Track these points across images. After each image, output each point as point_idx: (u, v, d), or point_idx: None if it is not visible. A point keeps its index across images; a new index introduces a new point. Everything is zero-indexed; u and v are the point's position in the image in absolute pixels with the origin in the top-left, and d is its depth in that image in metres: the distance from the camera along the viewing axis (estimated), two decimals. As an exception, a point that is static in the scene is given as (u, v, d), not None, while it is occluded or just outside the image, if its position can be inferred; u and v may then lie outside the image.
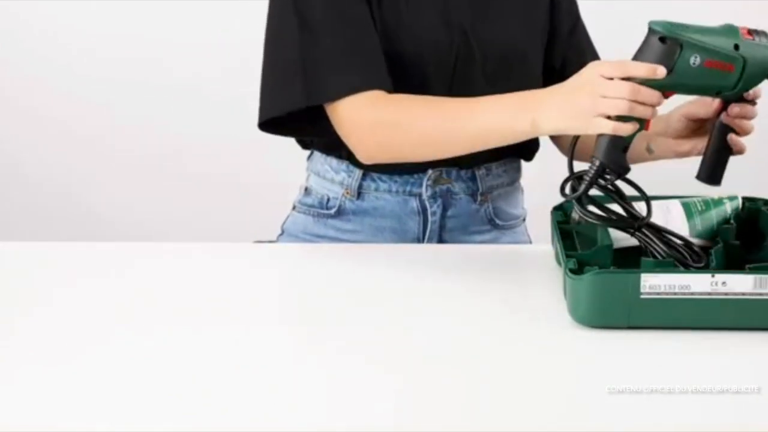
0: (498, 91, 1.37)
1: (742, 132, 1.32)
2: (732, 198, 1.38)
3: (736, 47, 1.22)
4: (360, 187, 1.55)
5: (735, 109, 1.30)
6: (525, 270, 1.43)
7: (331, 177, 1.56)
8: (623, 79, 1.19)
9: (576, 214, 1.36)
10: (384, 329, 1.21)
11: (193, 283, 1.35)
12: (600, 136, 1.21)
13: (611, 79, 1.19)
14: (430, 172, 1.53)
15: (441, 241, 1.57)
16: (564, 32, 1.59)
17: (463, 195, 1.56)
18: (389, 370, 1.11)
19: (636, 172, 1.27)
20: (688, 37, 1.19)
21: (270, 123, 1.49)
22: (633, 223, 1.26)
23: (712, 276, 1.17)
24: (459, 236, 1.57)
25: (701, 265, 1.24)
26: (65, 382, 1.08)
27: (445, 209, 1.55)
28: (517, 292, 1.33)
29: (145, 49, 2.82)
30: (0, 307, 1.27)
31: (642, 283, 1.16)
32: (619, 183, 1.25)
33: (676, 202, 1.36)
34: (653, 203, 1.27)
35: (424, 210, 1.55)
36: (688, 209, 1.35)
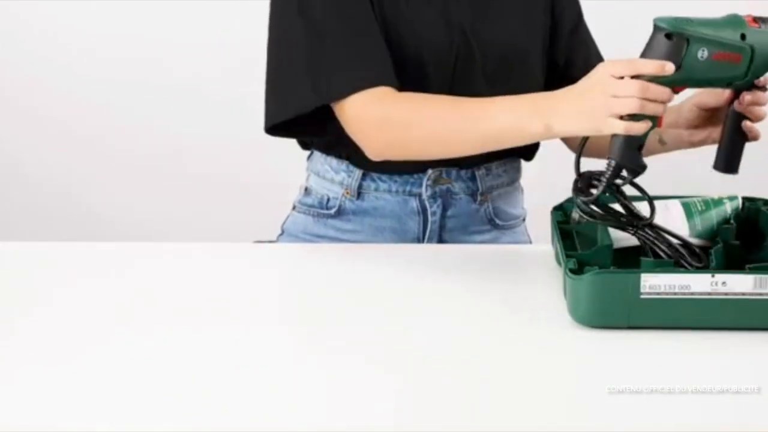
0: (498, 92, 1.37)
1: (756, 119, 1.32)
2: (732, 198, 1.38)
3: (743, 37, 1.22)
4: (360, 187, 1.55)
5: (747, 97, 1.29)
6: (525, 270, 1.43)
7: (331, 177, 1.56)
8: (632, 77, 1.19)
9: (576, 213, 1.36)
10: (384, 329, 1.21)
11: (193, 283, 1.35)
12: (614, 136, 1.21)
13: (621, 78, 1.19)
14: (429, 172, 1.53)
15: (441, 241, 1.57)
16: (565, 31, 1.59)
17: (463, 195, 1.56)
18: (389, 370, 1.11)
19: (636, 172, 1.26)
20: (694, 31, 1.19)
21: (276, 126, 1.49)
22: (639, 223, 1.26)
23: (712, 276, 1.17)
24: (459, 236, 1.57)
25: (700, 265, 1.24)
26: (65, 382, 1.08)
27: (445, 209, 1.55)
28: (517, 292, 1.33)
29: (145, 49, 2.81)
30: (0, 307, 1.27)
31: (642, 283, 1.16)
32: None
33: (676, 202, 1.36)
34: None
35: (424, 210, 1.55)
36: (688, 209, 1.35)
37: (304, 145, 1.63)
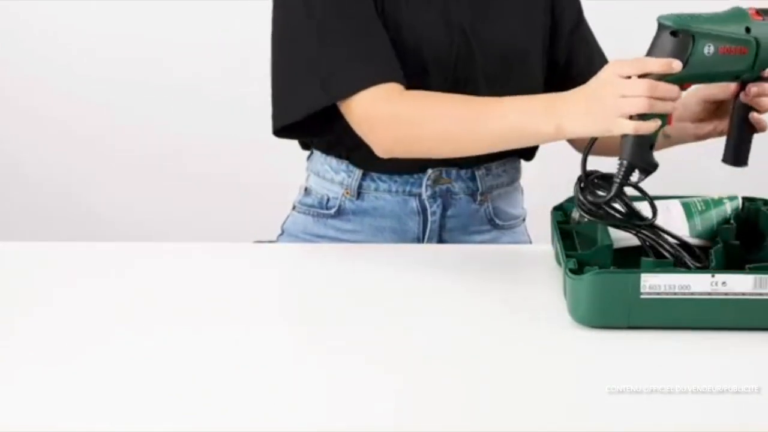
0: (498, 92, 1.37)
1: (763, 110, 1.32)
2: (732, 198, 1.38)
3: (748, 30, 1.22)
4: (360, 187, 1.55)
5: (753, 89, 1.29)
6: (525, 270, 1.43)
7: (330, 177, 1.56)
8: (640, 76, 1.19)
9: (576, 213, 1.36)
10: (384, 329, 1.21)
11: (193, 283, 1.35)
12: (624, 136, 1.21)
13: (629, 78, 1.19)
14: (429, 172, 1.53)
15: (441, 241, 1.57)
16: (566, 31, 1.59)
17: (463, 195, 1.56)
18: (389, 370, 1.11)
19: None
20: (700, 27, 1.19)
21: (284, 128, 1.49)
22: (642, 223, 1.26)
23: (712, 276, 1.17)
24: (459, 236, 1.57)
25: (700, 265, 1.24)
26: (65, 382, 1.08)
27: (444, 209, 1.55)
28: (517, 292, 1.33)
29: (145, 49, 2.81)
30: (0, 307, 1.27)
31: (642, 283, 1.16)
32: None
33: (676, 202, 1.36)
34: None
35: (423, 210, 1.55)
36: (688, 209, 1.35)
37: (304, 145, 1.63)
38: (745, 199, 1.40)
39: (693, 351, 1.15)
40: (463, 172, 1.55)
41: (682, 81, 1.20)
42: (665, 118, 1.20)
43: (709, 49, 1.20)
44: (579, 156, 1.28)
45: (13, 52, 2.85)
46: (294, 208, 1.63)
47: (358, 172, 1.54)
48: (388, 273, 1.38)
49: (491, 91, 1.41)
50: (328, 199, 1.57)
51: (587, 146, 1.27)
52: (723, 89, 1.36)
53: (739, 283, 1.17)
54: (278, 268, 1.44)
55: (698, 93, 1.39)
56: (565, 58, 1.59)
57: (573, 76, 1.55)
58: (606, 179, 1.25)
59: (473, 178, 1.56)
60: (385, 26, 1.45)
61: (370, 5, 1.44)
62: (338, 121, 1.44)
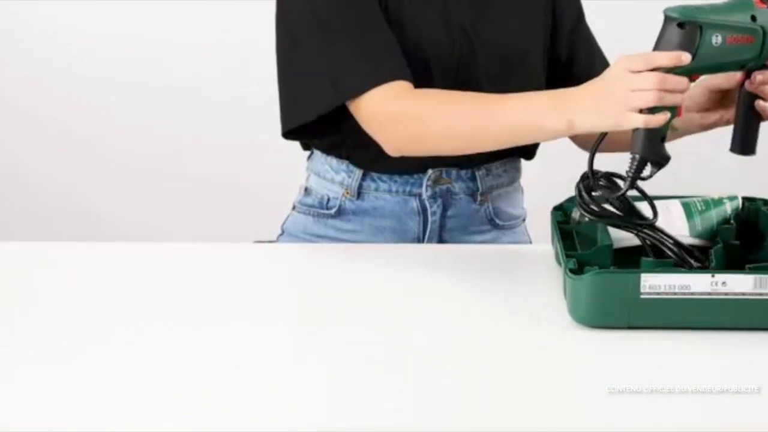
0: (500, 91, 1.36)
1: None
2: (732, 198, 1.38)
3: (753, 18, 1.22)
4: (360, 187, 1.55)
5: (758, 77, 1.29)
6: (525, 270, 1.43)
7: (331, 177, 1.56)
8: (649, 70, 1.19)
9: (576, 213, 1.36)
10: (384, 329, 1.21)
11: (193, 283, 1.35)
12: (635, 130, 1.21)
13: (638, 72, 1.19)
14: (430, 172, 1.53)
15: (441, 241, 1.57)
16: (566, 30, 1.59)
17: (463, 195, 1.56)
18: (389, 370, 1.11)
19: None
20: (706, 18, 1.19)
21: (292, 129, 1.49)
22: (643, 222, 1.26)
23: (712, 276, 1.17)
24: (459, 236, 1.57)
25: (700, 265, 1.24)
26: (65, 382, 1.08)
27: (445, 209, 1.55)
28: (517, 292, 1.33)
29: (145, 49, 2.81)
30: (0, 307, 1.27)
31: (642, 283, 1.16)
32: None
33: (676, 202, 1.36)
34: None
35: (424, 210, 1.55)
36: (688, 209, 1.35)
37: (305, 146, 1.63)
38: (745, 199, 1.40)
39: (693, 351, 1.15)
40: (463, 172, 1.55)
41: (690, 72, 1.20)
42: (674, 110, 1.20)
43: (716, 39, 1.19)
44: (579, 155, 1.29)
45: (13, 52, 2.85)
46: (294, 208, 1.63)
47: (358, 172, 1.54)
48: (388, 273, 1.38)
49: (493, 90, 1.41)
50: (329, 199, 1.57)
51: (594, 145, 1.27)
52: (728, 78, 1.35)
53: (739, 283, 1.17)
54: (278, 268, 1.44)
55: (703, 83, 1.39)
56: (567, 57, 1.59)
57: (574, 75, 1.55)
58: (610, 179, 1.25)
59: (473, 179, 1.56)
60: (387, 23, 1.45)
61: (374, 3, 1.44)
62: (345, 121, 1.44)
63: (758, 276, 1.17)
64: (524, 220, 1.67)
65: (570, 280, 1.19)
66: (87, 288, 1.33)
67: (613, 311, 1.18)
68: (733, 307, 1.17)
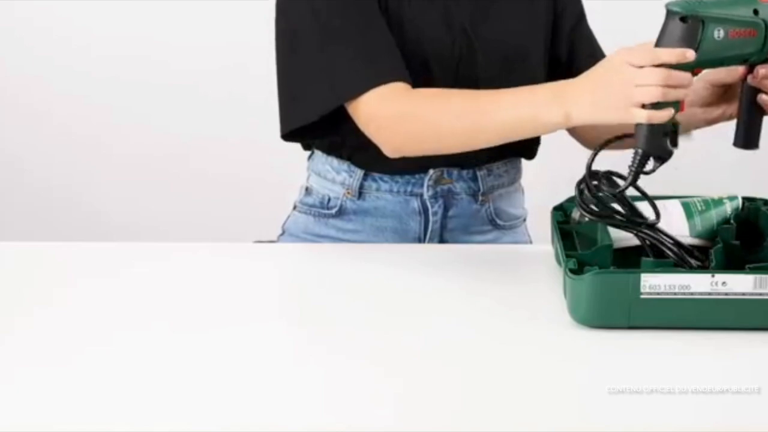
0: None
1: None
2: (732, 198, 1.38)
3: (756, 12, 1.22)
4: (361, 187, 1.55)
5: (761, 71, 1.29)
6: (525, 270, 1.43)
7: (332, 177, 1.56)
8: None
9: (576, 213, 1.36)
10: (384, 329, 1.21)
11: (193, 283, 1.35)
12: (638, 125, 1.21)
13: (640, 67, 1.19)
14: (431, 172, 1.53)
15: (442, 241, 1.57)
16: (567, 30, 1.59)
17: (465, 195, 1.56)
18: (389, 370, 1.11)
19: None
20: (708, 12, 1.18)
21: (292, 131, 1.49)
22: (644, 222, 1.26)
23: (712, 276, 1.17)
24: (460, 236, 1.57)
25: (700, 265, 1.24)
26: (65, 382, 1.08)
27: (446, 209, 1.55)
28: (517, 292, 1.33)
29: (145, 49, 2.81)
30: (0, 307, 1.27)
31: (642, 283, 1.16)
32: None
33: (676, 202, 1.36)
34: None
35: (425, 210, 1.55)
36: (688, 209, 1.35)
37: (306, 145, 1.63)
38: (745, 199, 1.40)
39: (693, 351, 1.15)
40: (464, 172, 1.55)
41: (693, 67, 1.20)
42: (678, 105, 1.20)
43: (719, 33, 1.19)
44: (579, 155, 1.28)
45: (13, 52, 2.85)
46: (295, 207, 1.63)
47: (359, 172, 1.54)
48: (389, 273, 1.38)
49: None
50: (329, 199, 1.57)
51: (599, 146, 1.26)
52: (730, 72, 1.35)
53: (739, 283, 1.17)
54: (279, 268, 1.44)
55: (705, 77, 1.38)
56: (567, 57, 1.59)
57: (575, 75, 1.54)
58: (611, 179, 1.25)
59: (475, 179, 1.56)
60: (388, 24, 1.45)
61: (374, 4, 1.44)
62: (345, 122, 1.44)
63: (758, 276, 1.17)
64: (525, 220, 1.67)
65: (570, 280, 1.19)
66: (87, 288, 1.33)
67: (613, 311, 1.18)
68: (733, 307, 1.17)
